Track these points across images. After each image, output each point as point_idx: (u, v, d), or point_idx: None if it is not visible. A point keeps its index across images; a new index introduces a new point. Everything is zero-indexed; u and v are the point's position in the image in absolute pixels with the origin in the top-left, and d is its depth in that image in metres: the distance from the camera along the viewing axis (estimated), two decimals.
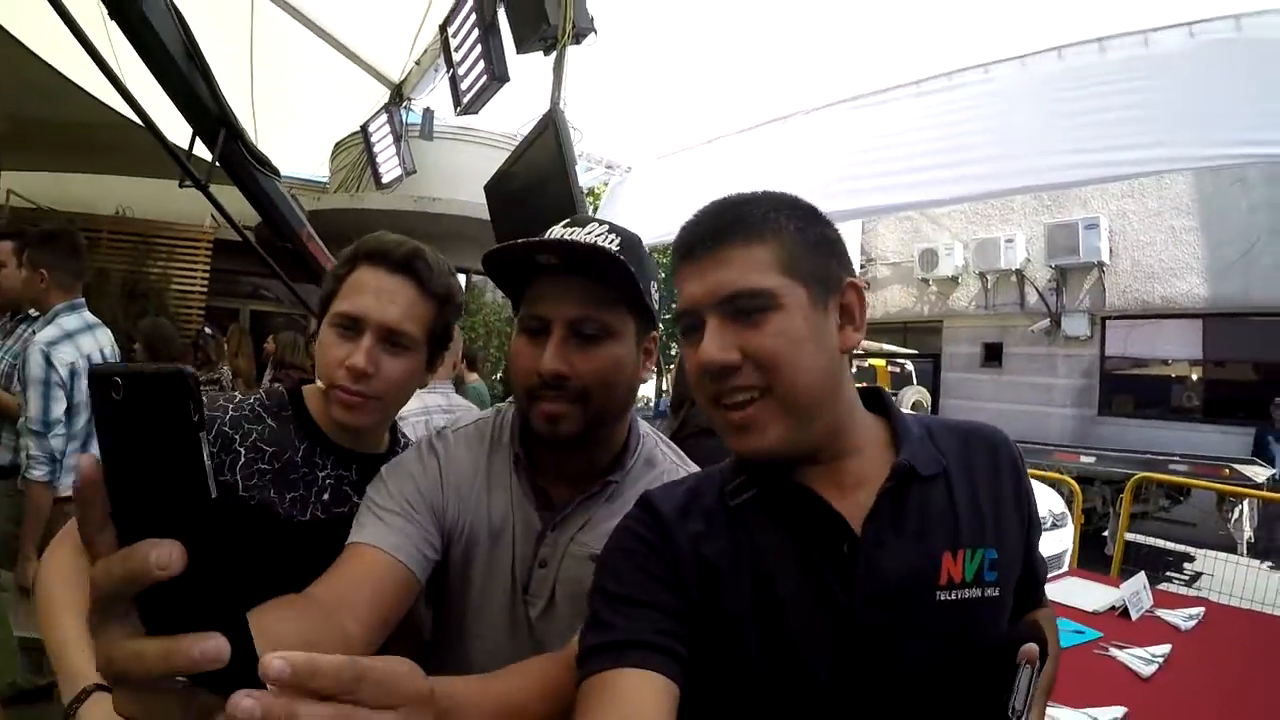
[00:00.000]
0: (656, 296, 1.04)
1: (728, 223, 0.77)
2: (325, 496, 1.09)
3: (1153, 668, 1.97)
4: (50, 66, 4.01)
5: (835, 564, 0.74)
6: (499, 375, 8.82)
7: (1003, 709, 0.71)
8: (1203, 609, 2.40)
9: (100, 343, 2.45)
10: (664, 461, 1.08)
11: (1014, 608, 0.81)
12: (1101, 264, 9.75)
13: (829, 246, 0.79)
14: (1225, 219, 8.83)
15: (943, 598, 0.74)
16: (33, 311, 2.56)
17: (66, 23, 2.11)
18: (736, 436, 0.76)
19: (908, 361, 10.27)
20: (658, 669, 0.69)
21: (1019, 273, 10.62)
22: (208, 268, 9.15)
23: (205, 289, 9.22)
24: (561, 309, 0.94)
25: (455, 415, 2.25)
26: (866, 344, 10.29)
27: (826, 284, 0.77)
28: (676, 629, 0.73)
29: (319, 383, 1.09)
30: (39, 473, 2.18)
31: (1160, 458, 6.91)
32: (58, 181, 7.82)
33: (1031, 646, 0.73)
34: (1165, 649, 2.07)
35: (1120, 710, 1.71)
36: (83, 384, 2.31)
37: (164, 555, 0.37)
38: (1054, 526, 5.66)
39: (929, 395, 11.37)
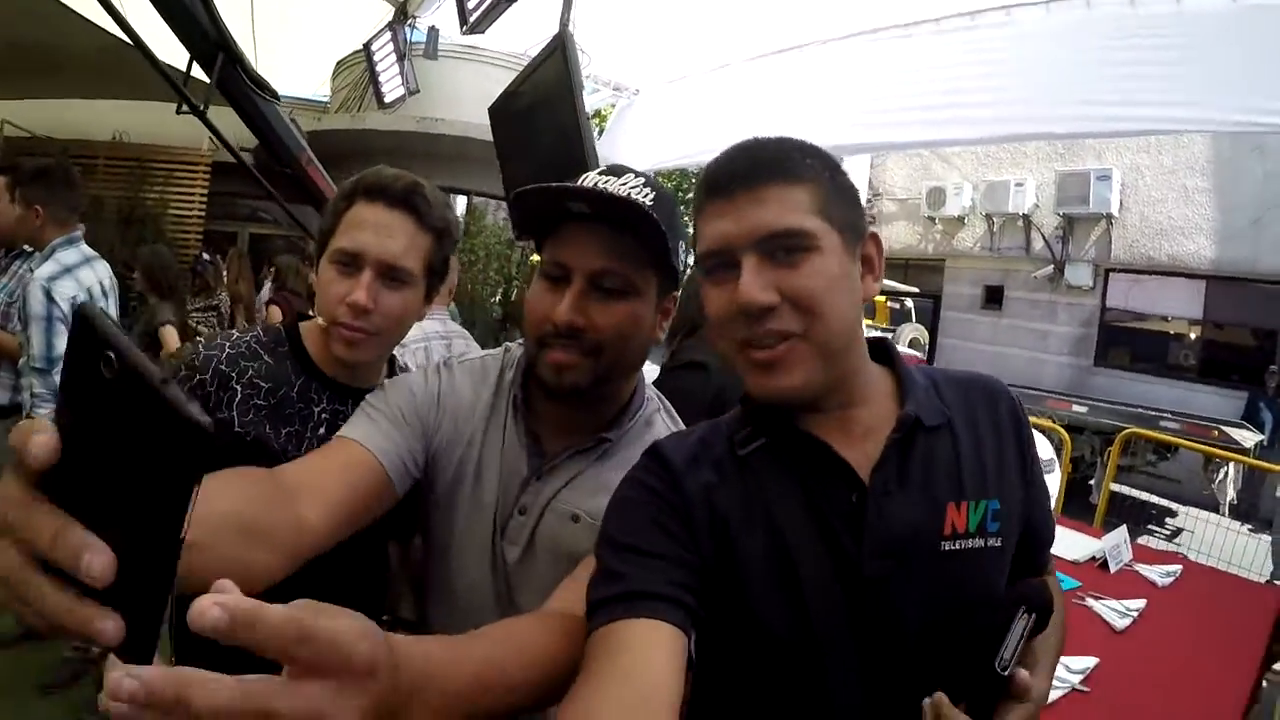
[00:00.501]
0: (684, 257, 1.02)
1: (765, 162, 0.76)
2: (321, 431, 1.10)
3: (1127, 621, 2.05)
4: None
5: (843, 513, 0.75)
6: (497, 298, 8.74)
7: (992, 661, 0.72)
8: (1180, 567, 2.47)
9: (99, 274, 2.43)
10: (660, 427, 1.07)
11: (1019, 568, 0.83)
12: (1110, 216, 9.59)
13: (855, 196, 0.80)
14: (1239, 184, 8.64)
15: (947, 547, 0.76)
16: (28, 247, 2.53)
17: None
18: (762, 375, 0.75)
19: (908, 298, 10.22)
20: (668, 619, 0.69)
21: (1026, 218, 10.47)
22: (205, 192, 9.01)
23: (203, 213, 9.10)
24: (585, 259, 0.92)
25: (449, 340, 2.29)
26: None
27: (855, 231, 0.78)
28: (687, 580, 0.73)
29: (318, 318, 1.10)
30: (44, 410, 2.18)
31: (1152, 413, 6.98)
32: (53, 108, 7.62)
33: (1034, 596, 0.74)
34: (1140, 604, 2.15)
35: (1092, 660, 1.79)
36: None
37: (97, 566, 0.35)
38: (1044, 471, 5.79)
39: (926, 333, 11.39)
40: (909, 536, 0.75)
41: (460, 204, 11.47)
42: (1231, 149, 8.53)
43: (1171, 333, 9.64)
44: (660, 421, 1.08)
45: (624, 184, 0.94)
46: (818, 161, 0.77)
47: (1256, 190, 8.45)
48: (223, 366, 1.06)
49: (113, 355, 0.35)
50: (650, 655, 0.66)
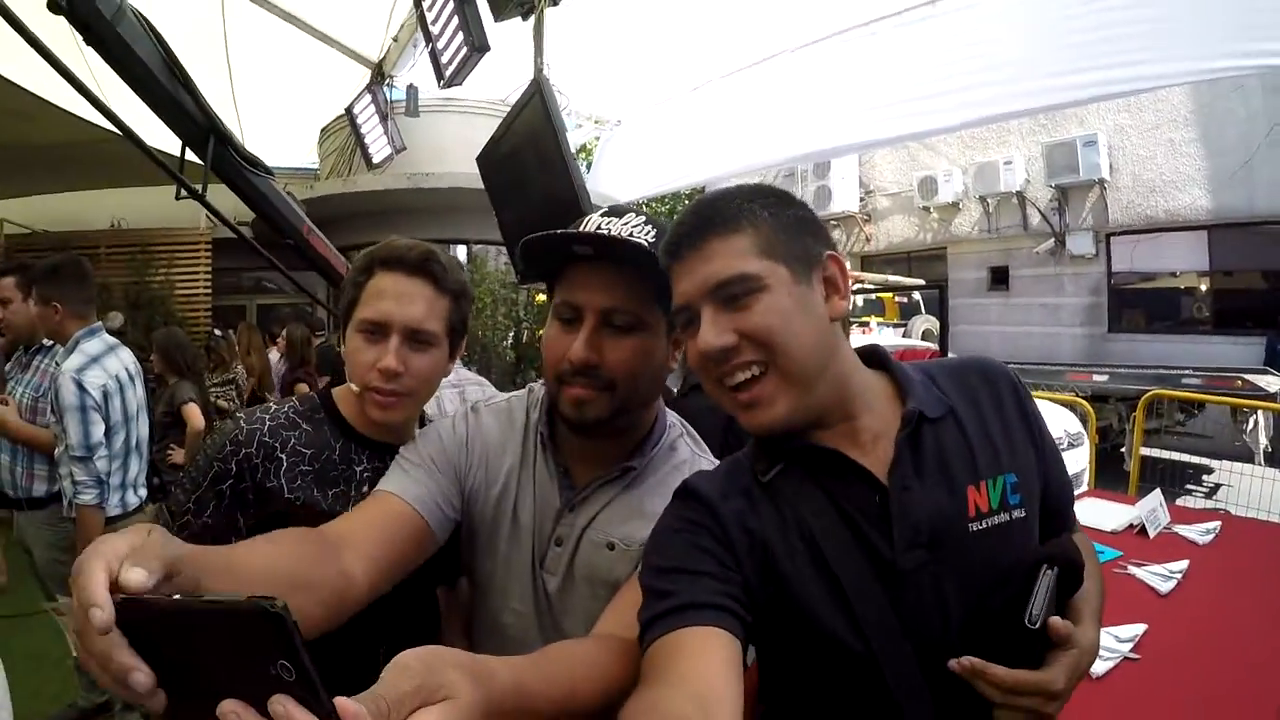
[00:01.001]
0: None
1: (705, 219, 0.82)
2: (365, 489, 1.14)
3: (1171, 584, 2.04)
4: (27, 91, 3.99)
5: (870, 515, 0.79)
6: (509, 341, 8.80)
7: (1021, 618, 0.74)
8: (1219, 523, 2.45)
9: (124, 361, 2.50)
10: (685, 451, 1.11)
11: (1045, 531, 0.86)
12: (1102, 181, 9.61)
13: (803, 225, 0.84)
14: (1224, 129, 8.65)
15: (974, 528, 0.79)
16: (47, 341, 2.62)
17: (40, 52, 2.11)
18: (747, 413, 0.81)
19: (915, 291, 10.23)
20: (720, 625, 0.73)
21: (1020, 194, 10.49)
22: (209, 268, 9.16)
23: (209, 290, 9.24)
24: (594, 298, 0.97)
25: (462, 389, 2.34)
26: (870, 276, 10.21)
27: (806, 260, 0.83)
28: (733, 592, 0.76)
29: (350, 385, 1.15)
30: (88, 496, 2.25)
31: (1173, 372, 6.89)
32: (49, 202, 7.79)
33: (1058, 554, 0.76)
34: (1183, 565, 2.13)
35: (1141, 628, 1.78)
36: (116, 404, 2.37)
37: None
38: (1070, 446, 5.70)
39: (938, 323, 11.44)
40: (936, 524, 0.78)
41: (461, 253, 11.60)
42: (1211, 94, 8.54)
43: (1181, 287, 9.59)
44: (684, 445, 1.12)
45: (625, 224, 0.98)
46: (756, 205, 0.83)
47: (1242, 132, 8.46)
48: (266, 438, 1.10)
49: (291, 668, 0.40)
50: (707, 659, 0.69)
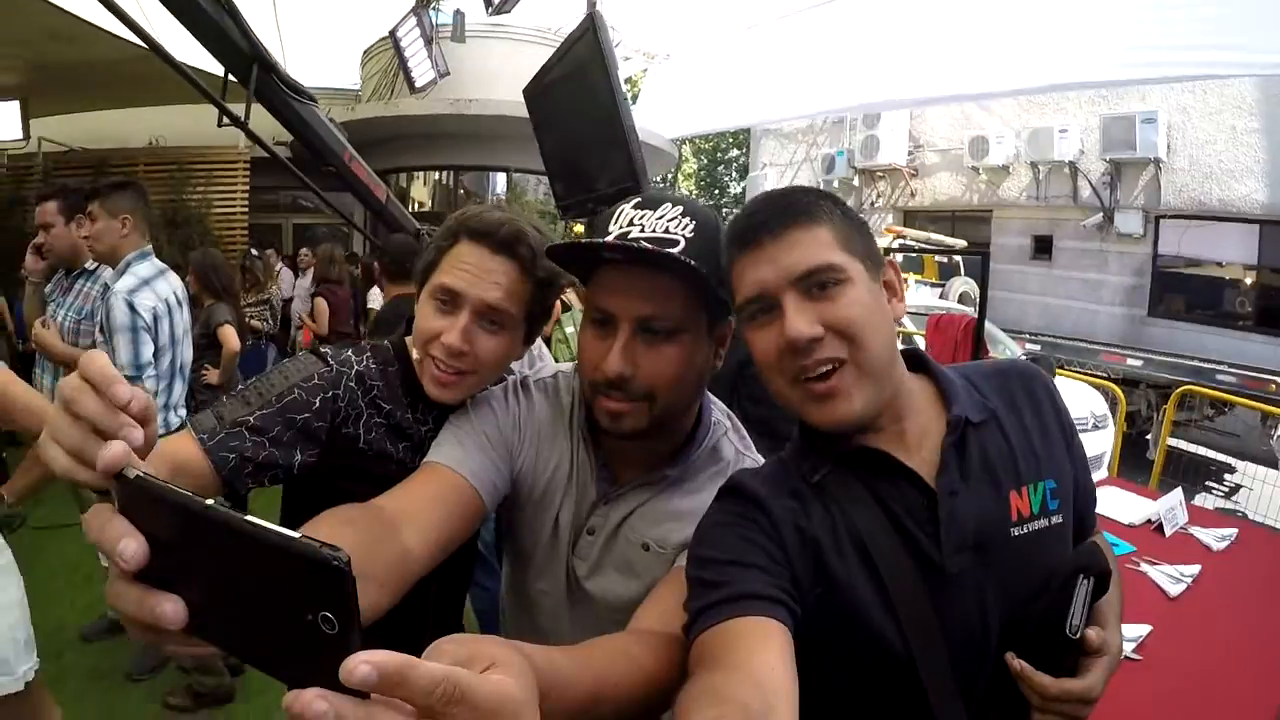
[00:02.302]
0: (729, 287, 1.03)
1: (784, 208, 0.82)
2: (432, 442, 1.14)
3: (1180, 587, 2.05)
4: (66, 12, 3.96)
5: (919, 518, 0.80)
6: None
7: (1062, 628, 0.76)
8: (1236, 530, 2.44)
9: (173, 285, 2.56)
10: (728, 452, 1.09)
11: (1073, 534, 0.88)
12: (1158, 160, 9.24)
13: (866, 229, 0.86)
14: None
15: (1016, 533, 0.81)
16: (89, 265, 2.68)
17: None
18: (823, 406, 0.80)
19: (957, 253, 9.98)
20: (774, 616, 0.73)
21: (1072, 165, 10.13)
22: (247, 187, 9.22)
23: (246, 209, 9.33)
24: (629, 305, 0.91)
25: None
26: (912, 233, 9.97)
27: (875, 260, 0.84)
28: (785, 586, 0.77)
29: (413, 349, 1.10)
30: None
31: (1208, 366, 6.77)
32: (87, 120, 7.82)
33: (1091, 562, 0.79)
34: (1195, 569, 2.14)
35: (1146, 628, 1.81)
36: (165, 327, 2.44)
37: (129, 552, 0.40)
38: (1095, 428, 5.66)
39: (977, 287, 11.25)
40: (981, 528, 0.80)
41: (500, 181, 11.51)
42: None
43: (1227, 278, 9.28)
44: (727, 445, 1.10)
45: (660, 216, 0.93)
46: (828, 202, 0.84)
47: None
48: (352, 383, 1.08)
49: (335, 622, 0.37)
50: (765, 648, 0.70)
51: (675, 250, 0.89)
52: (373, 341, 1.18)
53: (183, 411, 2.66)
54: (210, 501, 0.39)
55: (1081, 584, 0.78)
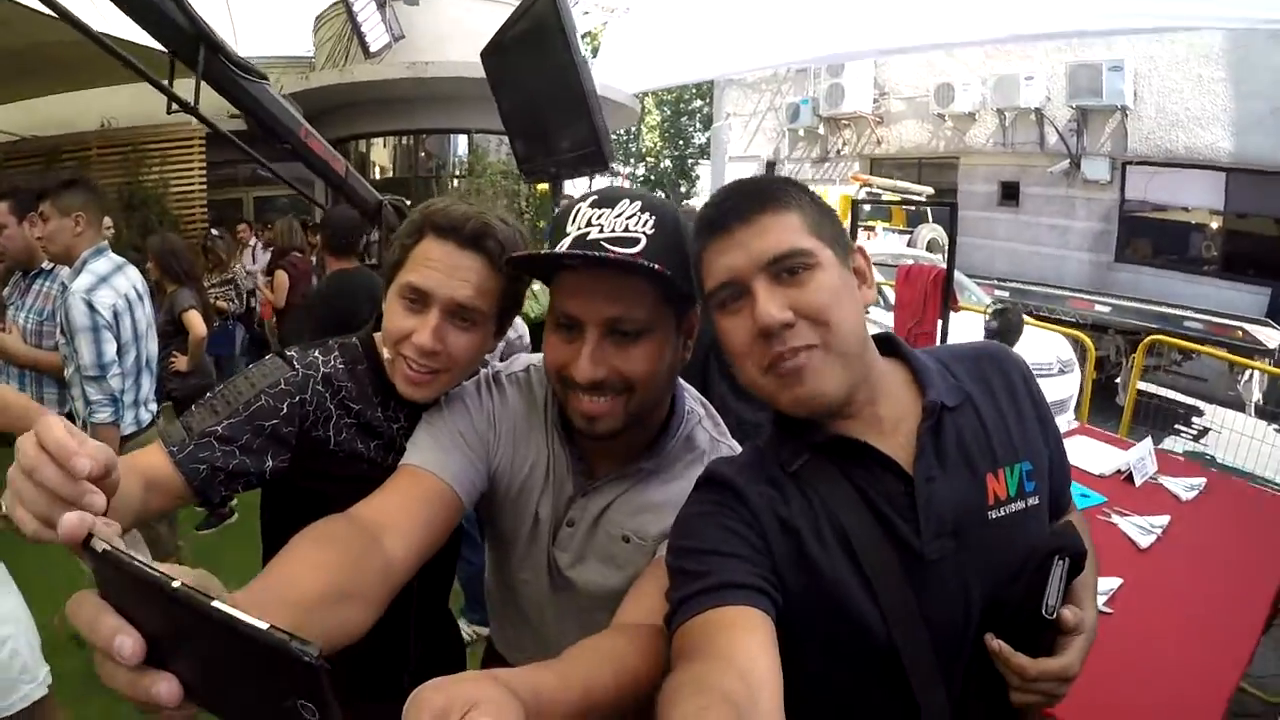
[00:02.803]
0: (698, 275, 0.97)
1: (753, 195, 0.82)
2: (403, 442, 1.11)
3: (1150, 539, 2.11)
4: None
5: (898, 505, 0.80)
6: None
7: (1039, 609, 0.78)
8: (1204, 480, 2.51)
9: (132, 279, 2.48)
10: (703, 440, 1.08)
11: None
12: (1124, 108, 9.31)
13: (835, 216, 0.85)
14: (1256, 72, 8.29)
15: (994, 516, 0.82)
16: (46, 265, 2.59)
17: None
18: (792, 387, 0.79)
19: (921, 197, 10.01)
20: (757, 605, 0.73)
21: (1038, 111, 10.17)
22: (204, 164, 8.96)
23: (204, 185, 9.07)
24: (595, 308, 0.90)
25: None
26: (880, 181, 9.97)
27: (844, 246, 0.84)
28: (766, 575, 0.77)
29: (383, 349, 1.08)
30: (104, 414, 2.28)
31: (1176, 312, 6.92)
32: (35, 107, 7.50)
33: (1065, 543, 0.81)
34: (1164, 520, 2.20)
35: (1117, 581, 1.86)
36: (126, 323, 2.37)
37: (127, 649, 0.41)
38: (1060, 373, 5.75)
39: (945, 234, 11.39)
40: (959, 513, 0.81)
41: (461, 143, 11.29)
42: (1247, 36, 8.17)
43: (1193, 223, 9.42)
44: (702, 433, 1.10)
45: (619, 214, 0.91)
46: (796, 189, 0.84)
47: (1275, 78, 8.14)
48: (319, 387, 1.07)
49: (315, 710, 0.37)
50: (749, 638, 0.70)
51: (637, 249, 0.89)
52: (340, 340, 1.15)
53: (153, 406, 2.61)
54: (178, 584, 0.39)
55: (1057, 565, 0.79)
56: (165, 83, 3.06)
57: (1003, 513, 0.83)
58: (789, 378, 0.79)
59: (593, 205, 0.93)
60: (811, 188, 0.86)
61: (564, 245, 0.91)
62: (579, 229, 0.92)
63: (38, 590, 1.80)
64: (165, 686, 0.42)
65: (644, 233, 0.90)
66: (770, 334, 0.78)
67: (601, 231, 0.90)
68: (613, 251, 0.88)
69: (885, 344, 0.91)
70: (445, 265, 1.01)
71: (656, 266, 0.85)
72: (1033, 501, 0.85)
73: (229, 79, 3.24)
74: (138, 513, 0.81)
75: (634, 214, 0.91)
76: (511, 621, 1.23)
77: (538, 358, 1.12)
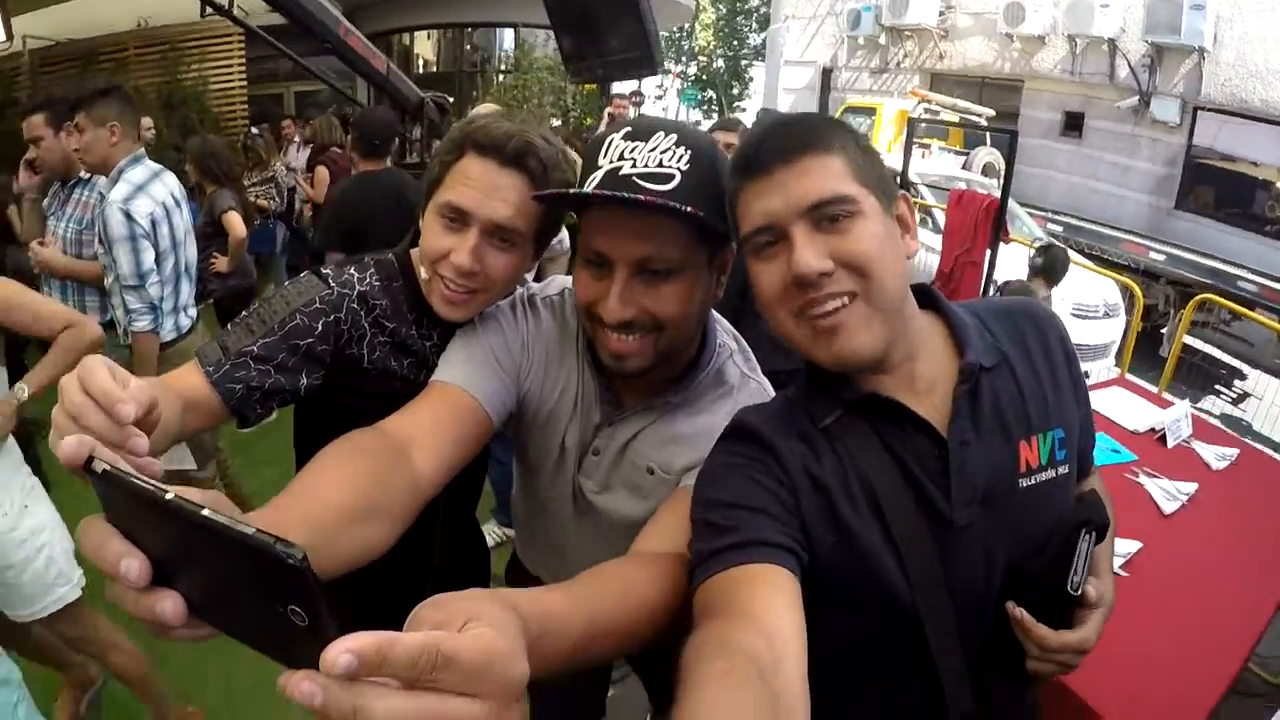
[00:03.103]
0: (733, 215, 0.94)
1: (796, 136, 0.78)
2: (436, 359, 1.13)
3: (1175, 505, 2.09)
4: None
5: (929, 469, 0.79)
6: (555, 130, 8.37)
7: (1064, 584, 0.78)
8: (1237, 451, 2.45)
9: (170, 186, 2.49)
10: (733, 375, 1.07)
11: None
12: (1202, 50, 8.66)
13: (880, 160, 0.82)
14: None
15: (1024, 484, 0.81)
16: (84, 175, 2.60)
17: None
18: (829, 341, 0.77)
19: (982, 120, 9.55)
20: (784, 564, 0.73)
21: (1111, 42, 9.53)
22: (243, 60, 8.84)
23: (244, 81, 8.97)
24: (624, 248, 0.89)
25: None
26: (939, 97, 9.50)
27: (888, 193, 0.80)
28: (793, 534, 0.76)
29: (420, 267, 1.08)
30: (143, 323, 2.33)
31: (1230, 270, 6.63)
32: (69, 11, 7.39)
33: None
34: (1191, 487, 2.17)
35: (1136, 545, 1.86)
36: (164, 230, 2.39)
37: (134, 572, 0.42)
38: (1106, 316, 5.61)
39: (1002, 158, 10.98)
40: (990, 480, 0.80)
41: (507, 37, 10.94)
42: None
43: (1260, 178, 8.84)
44: (732, 368, 1.08)
45: (653, 149, 0.88)
46: (841, 131, 0.80)
47: None
48: (354, 305, 1.07)
49: (304, 615, 0.37)
50: (774, 597, 0.69)
51: (670, 185, 0.86)
52: (376, 255, 1.15)
53: (193, 311, 2.65)
54: (171, 495, 0.40)
55: (1084, 540, 0.79)
56: None
57: (1033, 481, 0.82)
58: (824, 332, 0.77)
59: (626, 138, 0.90)
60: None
61: (595, 180, 0.90)
62: (611, 163, 0.90)
63: (68, 503, 1.90)
64: (170, 605, 0.42)
65: (678, 168, 0.87)
66: (806, 283, 0.75)
67: (634, 167, 0.88)
68: (644, 189, 0.86)
69: (922, 296, 0.89)
70: (485, 184, 0.99)
71: (689, 209, 0.83)
72: (1062, 470, 0.84)
73: None
74: (176, 435, 0.84)
75: (668, 148, 0.88)
76: (534, 538, 1.27)
77: (570, 285, 1.10)
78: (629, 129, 0.92)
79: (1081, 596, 0.79)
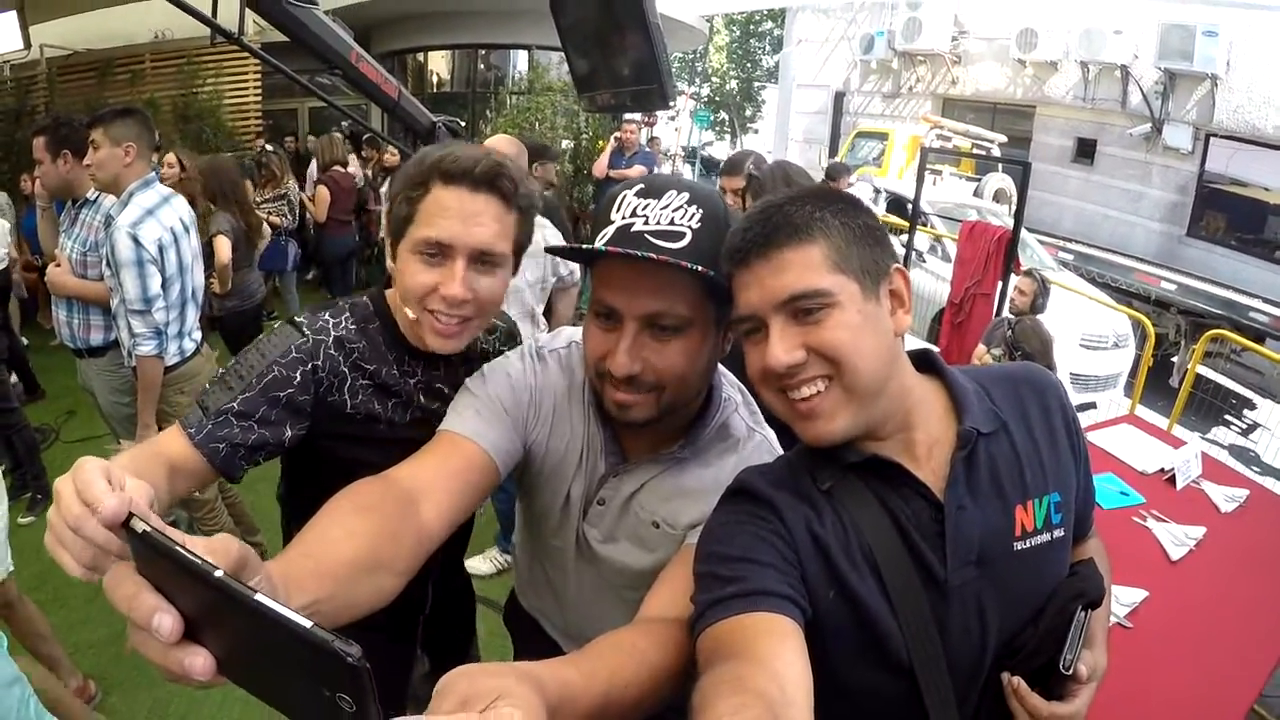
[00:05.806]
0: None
1: (775, 226, 0.79)
2: (420, 399, 1.15)
3: (1183, 550, 2.06)
4: None
5: (926, 533, 0.81)
6: (566, 154, 8.10)
7: (1057, 660, 0.79)
8: (1247, 493, 2.42)
9: (179, 211, 2.50)
10: (739, 428, 1.07)
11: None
12: (1215, 77, 8.67)
13: (871, 235, 0.82)
14: None
15: (1019, 547, 0.82)
16: (90, 195, 2.61)
17: None
18: (806, 423, 0.81)
19: (994, 146, 9.49)
20: (789, 614, 0.74)
21: (1124, 68, 9.55)
22: (259, 74, 8.92)
23: (259, 96, 9.05)
24: (634, 303, 0.89)
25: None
26: (951, 124, 9.51)
27: (875, 273, 0.81)
28: (797, 587, 0.78)
29: (404, 308, 1.06)
30: (148, 347, 2.33)
31: (1242, 301, 6.57)
32: (87, 21, 7.49)
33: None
34: (1200, 532, 2.14)
35: (1142, 594, 1.83)
36: (171, 256, 2.40)
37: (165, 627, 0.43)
38: (1115, 347, 5.59)
39: (1013, 185, 10.95)
40: (985, 545, 0.81)
41: (521, 59, 11.04)
42: None
43: (1271, 204, 8.81)
44: (738, 420, 1.08)
45: (665, 206, 0.89)
46: (828, 212, 0.80)
47: None
48: (332, 351, 1.06)
49: (352, 704, 0.37)
50: (781, 644, 0.71)
51: (682, 244, 0.88)
52: (351, 299, 1.15)
53: (197, 335, 2.65)
54: (220, 573, 0.40)
55: (1078, 616, 0.79)
56: (207, 14, 3.01)
57: (1028, 544, 0.83)
58: (802, 414, 0.81)
59: (639, 194, 0.92)
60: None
61: (607, 235, 0.91)
62: (623, 219, 0.90)
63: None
64: (201, 662, 0.43)
65: (690, 226, 0.88)
66: (779, 375, 0.79)
67: (646, 224, 0.89)
68: (656, 246, 0.87)
69: (923, 362, 0.90)
70: (461, 212, 0.99)
71: (699, 269, 0.84)
72: (1058, 534, 0.84)
73: (276, 7, 3.18)
74: (166, 503, 0.85)
75: (680, 206, 0.90)
76: (535, 581, 1.26)
77: (580, 333, 1.11)
78: (642, 186, 0.93)
79: (1074, 674, 0.80)
